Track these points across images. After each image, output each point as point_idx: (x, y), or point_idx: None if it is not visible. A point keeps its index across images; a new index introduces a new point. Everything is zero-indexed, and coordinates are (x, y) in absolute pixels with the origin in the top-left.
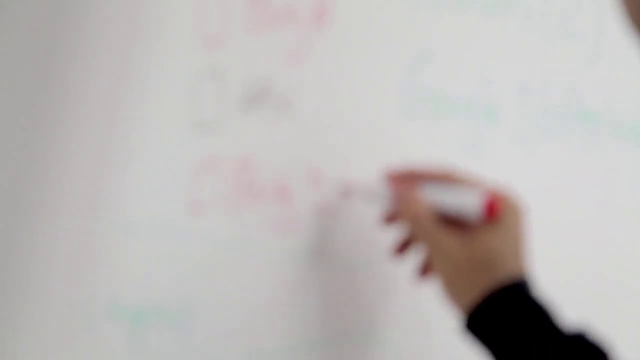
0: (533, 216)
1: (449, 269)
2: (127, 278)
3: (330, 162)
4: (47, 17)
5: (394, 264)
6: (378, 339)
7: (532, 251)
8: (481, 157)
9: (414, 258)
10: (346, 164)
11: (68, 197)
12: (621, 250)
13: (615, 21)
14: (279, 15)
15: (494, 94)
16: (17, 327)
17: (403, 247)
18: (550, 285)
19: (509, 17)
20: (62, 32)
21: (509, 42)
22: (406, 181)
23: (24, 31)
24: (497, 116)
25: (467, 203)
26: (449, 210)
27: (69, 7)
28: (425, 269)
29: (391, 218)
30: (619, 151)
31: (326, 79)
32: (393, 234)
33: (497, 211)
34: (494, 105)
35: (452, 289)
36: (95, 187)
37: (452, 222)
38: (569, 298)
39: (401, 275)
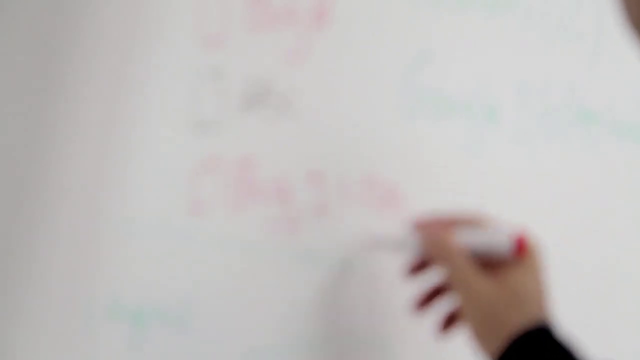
0: (533, 216)
1: (478, 312)
2: (127, 278)
3: (330, 162)
4: (47, 17)
5: (394, 264)
6: (377, 339)
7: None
8: (481, 157)
9: (438, 309)
10: (346, 164)
11: (68, 197)
12: (621, 250)
13: (615, 21)
14: (279, 15)
15: (494, 94)
16: (17, 327)
17: (428, 298)
18: (550, 285)
19: (509, 17)
20: (62, 32)
21: (509, 42)
22: (436, 227)
23: (24, 31)
24: (497, 116)
25: (498, 241)
26: (480, 250)
27: (69, 8)
28: (450, 320)
29: (419, 266)
30: (619, 151)
31: (326, 79)
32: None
33: (526, 247)
34: (494, 105)
35: (480, 333)
36: (96, 187)
37: (483, 264)
38: (568, 297)
39: (402, 275)
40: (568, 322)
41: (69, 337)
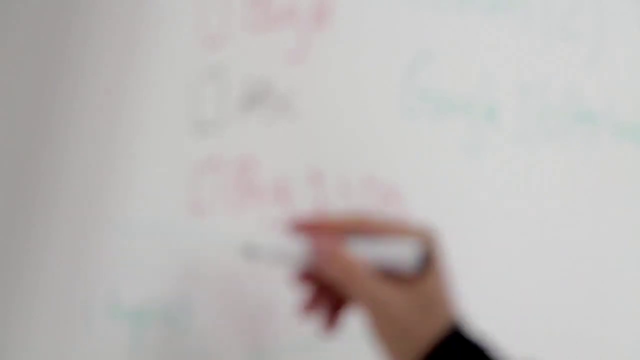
0: (533, 216)
1: (389, 326)
2: (127, 278)
3: (330, 162)
4: (47, 17)
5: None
6: None
7: (532, 252)
8: (481, 157)
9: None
10: (346, 164)
11: (69, 197)
12: (621, 251)
13: (615, 21)
14: (279, 15)
15: (494, 94)
16: (18, 327)
17: (313, 303)
18: (549, 285)
19: (509, 17)
20: (62, 32)
21: (509, 42)
22: (324, 234)
23: (24, 31)
24: (497, 116)
25: (400, 257)
26: (382, 266)
27: (69, 8)
28: (334, 317)
29: (310, 275)
30: (619, 151)
31: (326, 79)
32: None
33: (430, 258)
34: (494, 105)
35: (393, 347)
36: (96, 187)
37: (385, 275)
38: (568, 297)
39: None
40: (567, 322)
41: (69, 337)
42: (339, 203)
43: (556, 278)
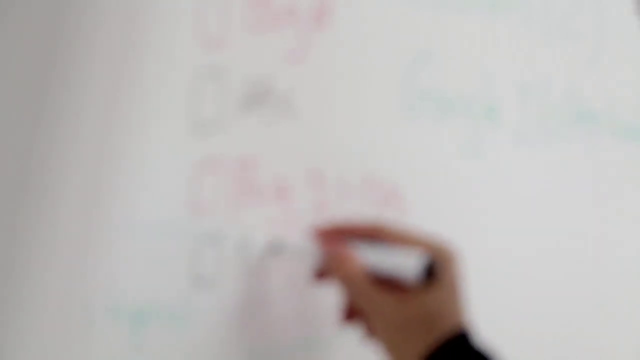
0: (533, 216)
1: (388, 330)
2: (127, 278)
3: (330, 162)
4: (47, 17)
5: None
6: None
7: (532, 252)
8: (481, 157)
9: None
10: (346, 164)
11: (68, 197)
12: (621, 250)
13: (615, 21)
14: (279, 15)
15: (494, 94)
16: (17, 327)
17: (350, 313)
18: (549, 286)
19: (509, 17)
20: (62, 32)
21: (509, 42)
22: (336, 239)
23: (23, 31)
24: (497, 116)
25: (404, 266)
26: (385, 273)
27: (69, 8)
28: (351, 314)
29: (322, 275)
30: (620, 151)
31: (326, 79)
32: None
33: (435, 273)
34: (494, 105)
35: (394, 350)
36: (96, 187)
37: (387, 282)
38: (568, 298)
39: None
40: (567, 322)
41: (68, 337)
42: (339, 203)
43: (557, 278)
